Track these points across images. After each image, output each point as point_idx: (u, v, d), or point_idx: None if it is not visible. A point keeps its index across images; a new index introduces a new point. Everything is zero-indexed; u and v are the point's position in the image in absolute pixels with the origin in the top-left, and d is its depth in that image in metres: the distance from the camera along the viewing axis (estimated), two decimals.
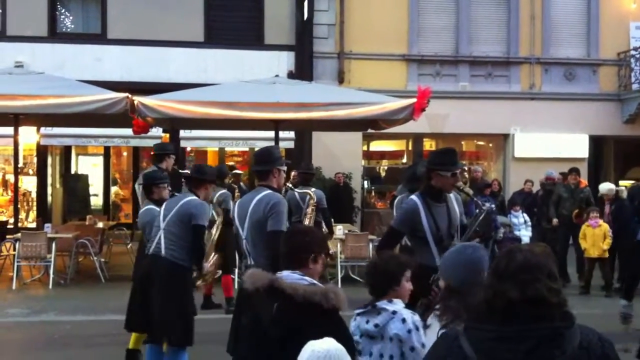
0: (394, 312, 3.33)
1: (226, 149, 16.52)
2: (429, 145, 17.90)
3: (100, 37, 15.07)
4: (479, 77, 16.52)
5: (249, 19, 15.54)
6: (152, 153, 8.50)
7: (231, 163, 15.96)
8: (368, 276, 3.53)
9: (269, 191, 4.49)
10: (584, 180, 11.46)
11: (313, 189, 8.37)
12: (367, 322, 3.37)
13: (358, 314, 3.42)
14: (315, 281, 3.11)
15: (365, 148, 17.07)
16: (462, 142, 18.30)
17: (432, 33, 16.38)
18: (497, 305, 1.98)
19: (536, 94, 16.56)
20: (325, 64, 15.97)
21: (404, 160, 17.66)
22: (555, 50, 16.74)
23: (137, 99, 9.43)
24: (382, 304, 3.38)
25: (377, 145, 18.03)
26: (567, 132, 16.38)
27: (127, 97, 9.36)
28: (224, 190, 8.48)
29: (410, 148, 17.61)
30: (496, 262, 2.08)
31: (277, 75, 11.42)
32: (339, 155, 15.41)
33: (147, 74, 14.45)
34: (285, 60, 15.44)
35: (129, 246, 11.76)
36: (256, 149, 16.54)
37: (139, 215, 6.25)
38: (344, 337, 2.77)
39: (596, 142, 17.18)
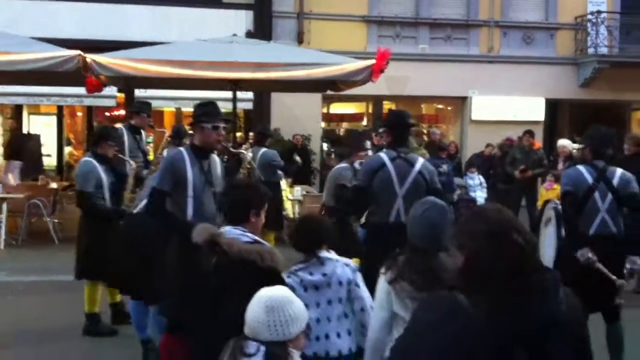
0: (337, 260, 3.56)
1: (183, 109, 16.27)
2: (388, 107, 17.92)
3: None
4: (439, 40, 16.53)
5: None
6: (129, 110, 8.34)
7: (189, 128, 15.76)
8: (300, 233, 3.66)
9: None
10: (537, 142, 11.66)
11: (263, 149, 8.43)
12: (311, 274, 3.48)
13: (297, 270, 3.50)
14: (257, 237, 3.13)
15: (325, 110, 17.01)
16: (422, 105, 18.39)
17: None
18: (494, 264, 1.96)
19: (494, 57, 16.66)
20: (284, 24, 15.77)
21: (364, 123, 17.67)
22: (514, 14, 16.81)
23: (90, 57, 9.14)
24: (324, 254, 3.55)
25: (337, 108, 17.98)
26: (524, 95, 16.57)
27: (80, 54, 9.08)
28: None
29: (370, 110, 17.62)
30: (475, 224, 2.05)
31: (234, 35, 11.19)
32: (298, 116, 15.32)
33: (104, 32, 14.07)
34: (243, 20, 15.21)
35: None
36: None
37: (78, 165, 6.17)
38: None
39: (552, 106, 17.42)
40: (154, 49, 10.40)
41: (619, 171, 4.96)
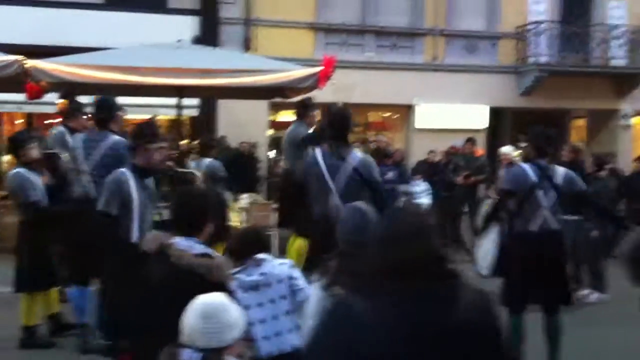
0: (272, 259, 3.70)
1: (127, 116, 15.99)
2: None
3: None
4: (385, 48, 16.72)
5: None
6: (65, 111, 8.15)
7: None
8: (240, 240, 3.80)
9: (117, 137, 5.36)
10: (480, 149, 11.89)
11: (208, 160, 8.44)
12: (249, 275, 3.54)
13: (234, 273, 3.54)
14: (207, 250, 3.12)
15: (274, 118, 17.00)
16: (369, 113, 18.55)
17: (339, 1, 16.40)
18: (391, 268, 1.98)
19: (439, 66, 16.92)
20: (231, 31, 15.72)
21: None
22: (458, 23, 17.11)
23: (31, 62, 8.97)
24: (259, 256, 3.65)
25: (286, 115, 17.98)
26: (468, 103, 16.85)
27: (19, 59, 8.89)
28: None
29: (319, 118, 17.65)
30: (385, 226, 2.10)
31: (179, 40, 11.10)
32: (245, 124, 15.26)
33: (45, 37, 13.73)
34: (189, 26, 15.07)
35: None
36: (159, 117, 16.21)
37: (7, 180, 6.02)
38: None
39: (495, 113, 17.79)
40: (97, 54, 10.26)
41: (561, 170, 5.15)
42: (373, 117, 18.81)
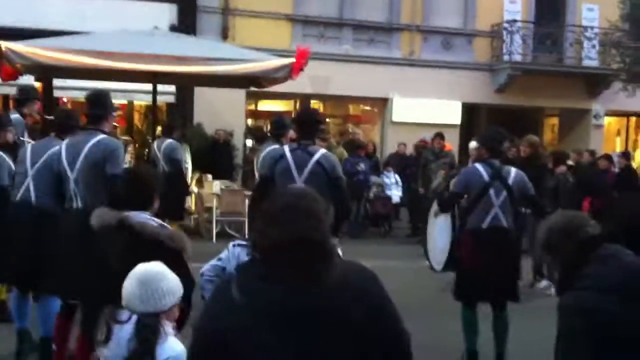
0: None
1: None
2: (318, 106, 18.14)
3: None
4: (362, 42, 16.89)
5: None
6: (15, 98, 8.15)
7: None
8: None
9: (104, 135, 4.79)
10: (448, 144, 12.06)
11: (168, 141, 8.60)
12: (248, 254, 3.67)
13: (238, 245, 3.68)
14: (162, 222, 3.29)
15: (252, 107, 17.10)
16: (346, 105, 18.73)
17: None
18: (263, 246, 1.99)
19: (415, 61, 17.13)
20: (209, 19, 15.78)
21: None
22: (435, 19, 17.33)
23: (5, 44, 8.97)
24: None
25: (265, 105, 18.10)
26: (443, 98, 17.09)
27: None
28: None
29: (297, 108, 17.82)
30: (264, 206, 2.09)
31: (156, 27, 11.16)
32: (221, 112, 15.35)
33: (20, 19, 13.71)
34: (167, 13, 15.11)
35: None
36: (135, 102, 16.27)
37: None
38: (185, 275, 2.96)
39: (470, 110, 18.05)
40: (73, 38, 10.29)
41: (513, 170, 5.36)
42: (350, 109, 19.01)
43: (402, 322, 2.05)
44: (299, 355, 1.90)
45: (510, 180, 5.25)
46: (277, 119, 7.84)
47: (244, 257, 3.75)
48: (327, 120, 18.61)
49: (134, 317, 2.64)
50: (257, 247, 2.01)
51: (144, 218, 3.31)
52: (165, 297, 2.66)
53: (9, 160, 5.88)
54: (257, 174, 7.41)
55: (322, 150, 5.22)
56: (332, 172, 5.07)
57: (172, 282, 2.71)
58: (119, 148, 4.78)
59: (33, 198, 5.22)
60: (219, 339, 1.95)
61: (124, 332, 2.67)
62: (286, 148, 5.24)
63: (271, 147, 6.74)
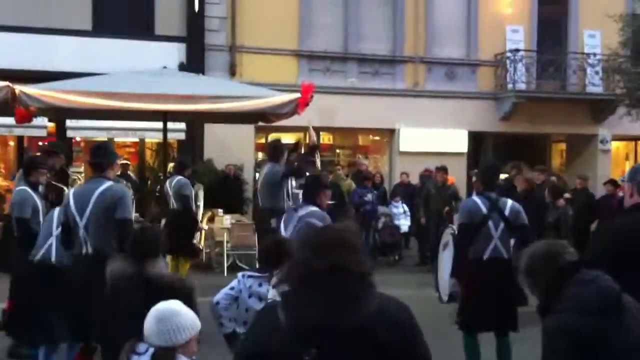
0: None
1: (115, 139, 16.35)
2: (327, 138, 18.45)
3: None
4: (367, 74, 17.15)
5: (139, 9, 15.44)
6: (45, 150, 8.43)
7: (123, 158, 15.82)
8: (263, 251, 4.25)
9: (111, 182, 5.04)
10: (451, 177, 12.10)
11: (177, 178, 8.87)
12: (260, 285, 3.88)
13: (250, 276, 3.89)
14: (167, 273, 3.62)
15: (262, 141, 17.35)
16: (353, 137, 18.93)
17: (322, 29, 16.83)
18: (306, 273, 2.21)
19: (419, 92, 17.36)
20: (217, 57, 16.11)
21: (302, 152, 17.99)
22: (438, 50, 17.59)
23: (19, 88, 9.28)
24: (278, 272, 3.86)
25: (274, 138, 18.28)
26: (448, 127, 17.28)
27: (8, 85, 9.21)
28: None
29: (307, 141, 18.02)
30: (306, 236, 2.37)
31: (164, 67, 11.48)
32: (230, 147, 15.60)
33: (32, 62, 14.07)
34: (176, 52, 15.47)
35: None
36: (146, 140, 16.57)
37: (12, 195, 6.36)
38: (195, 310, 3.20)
39: (476, 138, 18.21)
40: (84, 80, 10.59)
41: (509, 202, 5.53)
42: (357, 140, 19.21)
43: (429, 353, 2.29)
44: None
45: (507, 212, 5.40)
46: (273, 143, 8.30)
47: (256, 288, 3.95)
48: (337, 151, 18.90)
49: (151, 350, 2.83)
50: (296, 275, 2.24)
51: (154, 269, 3.65)
52: (180, 332, 2.88)
53: (36, 197, 6.13)
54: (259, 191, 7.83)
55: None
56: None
57: (186, 318, 2.93)
58: (126, 194, 5.03)
59: (53, 258, 5.47)
60: (264, 357, 2.16)
61: None
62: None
63: (274, 170, 7.54)
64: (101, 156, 5.12)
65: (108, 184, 4.97)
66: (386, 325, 2.17)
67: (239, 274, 4.11)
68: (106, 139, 16.25)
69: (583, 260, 2.88)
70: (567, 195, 9.96)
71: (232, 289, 4.08)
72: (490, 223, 5.33)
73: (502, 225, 5.35)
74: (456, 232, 5.80)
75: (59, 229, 5.40)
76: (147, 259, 3.73)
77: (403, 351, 2.18)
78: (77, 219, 4.90)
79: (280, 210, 7.14)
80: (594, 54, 17.79)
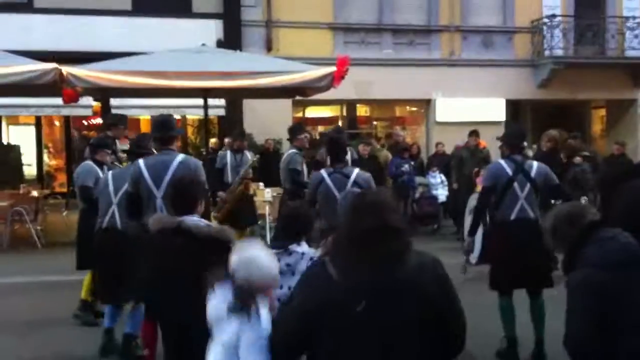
0: (303, 253, 4.03)
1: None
2: (363, 110, 18.63)
3: (26, 6, 15.01)
4: (402, 45, 17.21)
5: None
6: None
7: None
8: (283, 221, 4.26)
9: (184, 155, 5.35)
10: (483, 141, 12.20)
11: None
12: (279, 260, 4.07)
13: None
14: (207, 222, 3.81)
15: (300, 114, 17.60)
16: (395, 108, 19.04)
17: (357, 2, 16.92)
18: (354, 233, 2.50)
19: (456, 61, 17.37)
20: (253, 33, 16.35)
21: (340, 124, 18.20)
22: (474, 19, 17.54)
23: (66, 69, 9.68)
24: (293, 247, 4.06)
25: (312, 112, 18.57)
26: (486, 96, 17.27)
27: (56, 67, 9.61)
28: None
29: (344, 114, 18.26)
30: (352, 201, 2.67)
31: (203, 44, 11.76)
32: (269, 122, 15.85)
33: (76, 44, 14.48)
34: (213, 29, 15.74)
35: (64, 214, 12.05)
36: (187, 117, 16.96)
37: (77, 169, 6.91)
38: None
39: (513, 106, 18.17)
40: (127, 60, 10.94)
41: (535, 164, 5.70)
42: (393, 111, 19.33)
43: (459, 298, 2.59)
44: (384, 325, 2.41)
45: (533, 173, 5.57)
46: (292, 125, 8.57)
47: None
48: (375, 123, 19.05)
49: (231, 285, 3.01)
50: (345, 235, 2.53)
51: (195, 220, 3.82)
52: (263, 275, 3.00)
53: (100, 172, 6.54)
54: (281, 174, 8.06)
55: (357, 171, 5.85)
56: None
57: (269, 264, 3.06)
58: (201, 165, 5.28)
59: (119, 224, 5.78)
60: (317, 312, 2.46)
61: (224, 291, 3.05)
62: (324, 173, 5.89)
63: (291, 152, 7.92)
64: (169, 130, 5.35)
65: (182, 156, 5.24)
66: (428, 278, 2.46)
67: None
68: (149, 117, 16.78)
69: (606, 219, 3.08)
70: (585, 153, 9.97)
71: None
72: (516, 185, 5.51)
73: (528, 186, 5.51)
74: (481, 193, 6.00)
75: (117, 196, 5.73)
76: (182, 211, 3.88)
77: (441, 298, 2.47)
78: (154, 190, 5.08)
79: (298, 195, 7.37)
80: (633, 17, 17.51)
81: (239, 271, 3.01)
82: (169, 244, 3.76)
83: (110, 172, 6.19)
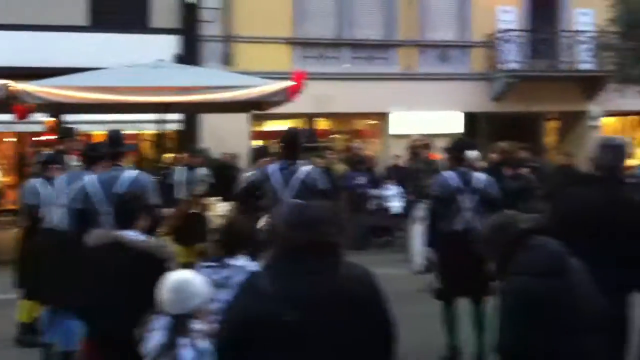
0: (241, 267, 4.03)
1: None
2: (323, 124, 18.70)
3: None
4: (361, 59, 17.39)
5: (134, 3, 15.68)
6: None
7: None
8: (220, 235, 4.24)
9: (136, 171, 5.36)
10: (435, 154, 12.35)
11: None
12: (216, 274, 4.08)
13: (205, 267, 4.12)
14: (146, 237, 3.83)
15: (258, 128, 17.58)
16: (354, 121, 19.14)
17: (316, 17, 17.05)
18: (288, 246, 2.54)
19: (413, 75, 17.56)
20: (212, 48, 16.34)
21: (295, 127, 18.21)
22: (431, 34, 17.80)
23: (17, 86, 9.57)
24: (229, 260, 4.09)
25: (272, 126, 18.55)
26: (442, 109, 17.50)
27: (7, 83, 9.51)
28: None
29: (303, 127, 18.29)
30: (286, 215, 2.66)
31: (161, 60, 11.74)
32: (226, 136, 15.83)
33: (31, 59, 14.25)
34: (172, 44, 15.69)
35: (15, 231, 11.78)
36: (145, 132, 16.85)
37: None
38: None
39: (470, 119, 18.40)
40: (81, 75, 10.86)
41: (479, 175, 5.85)
42: (352, 125, 19.43)
43: (390, 309, 2.62)
44: (317, 337, 2.44)
45: (477, 185, 5.71)
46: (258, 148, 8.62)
47: (214, 277, 4.12)
48: (334, 136, 19.10)
49: (166, 320, 3.09)
50: (280, 248, 2.56)
51: (134, 235, 3.84)
52: (194, 299, 3.14)
53: (42, 189, 6.51)
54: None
55: (308, 168, 5.78)
56: (316, 187, 5.60)
57: (198, 286, 3.19)
58: (152, 182, 5.33)
59: (61, 225, 5.79)
60: (249, 324, 2.48)
61: (157, 335, 3.11)
62: (274, 167, 5.85)
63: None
64: (118, 146, 5.43)
65: (133, 172, 5.27)
66: (360, 290, 2.52)
67: (197, 267, 4.23)
68: (104, 132, 16.61)
69: (537, 228, 3.19)
70: (532, 164, 10.16)
71: None
72: (461, 196, 5.66)
73: (472, 197, 5.66)
74: (429, 204, 6.13)
75: (63, 198, 5.75)
76: (121, 226, 3.91)
77: (371, 304, 2.54)
78: (101, 206, 5.08)
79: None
80: (585, 31, 17.93)
81: (171, 302, 3.04)
82: (105, 258, 3.76)
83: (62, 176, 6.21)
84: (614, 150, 4.19)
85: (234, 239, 4.13)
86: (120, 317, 3.52)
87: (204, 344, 3.08)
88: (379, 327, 2.57)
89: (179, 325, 3.10)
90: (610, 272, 3.47)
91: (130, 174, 5.21)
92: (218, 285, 4.04)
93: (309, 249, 2.49)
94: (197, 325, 3.17)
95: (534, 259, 3.00)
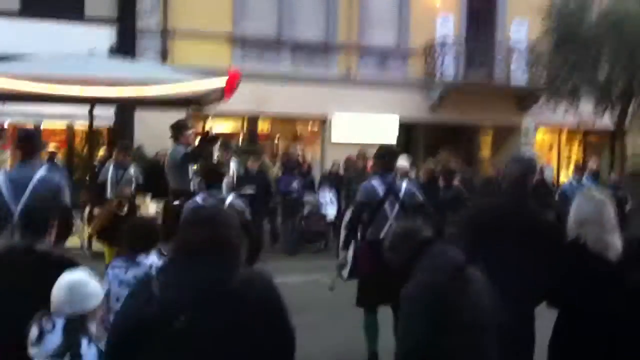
0: (151, 265, 3.98)
1: (43, 126, 15.97)
2: (265, 127, 18.40)
3: None
4: (300, 61, 17.26)
5: None
6: None
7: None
8: (129, 233, 4.19)
9: (45, 168, 5.11)
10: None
11: None
12: (126, 273, 3.97)
13: (116, 266, 4.00)
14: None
15: (198, 128, 17.21)
16: (294, 124, 18.93)
17: (256, 14, 16.85)
18: (182, 247, 2.49)
19: (352, 79, 17.55)
20: (149, 40, 15.94)
21: (241, 139, 17.96)
22: (371, 38, 17.82)
23: None
24: (140, 258, 4.06)
25: (212, 124, 18.19)
26: (380, 115, 17.53)
27: None
28: None
29: (245, 129, 18.05)
30: (185, 216, 2.67)
31: (92, 50, 11.31)
32: (162, 134, 15.35)
33: None
34: (107, 35, 15.24)
35: None
36: (75, 126, 16.30)
37: None
38: None
39: (406, 127, 18.49)
40: (10, 62, 10.41)
41: (404, 184, 5.90)
42: (295, 128, 19.26)
43: (289, 315, 2.53)
44: (203, 341, 2.34)
45: (402, 194, 5.75)
46: (177, 122, 8.27)
47: (123, 276, 4.06)
48: (275, 142, 18.85)
49: (61, 322, 2.99)
50: (175, 249, 2.50)
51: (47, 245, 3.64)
52: (90, 299, 3.07)
53: None
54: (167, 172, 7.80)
55: (231, 197, 5.74)
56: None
57: (93, 286, 3.13)
58: (64, 184, 5.04)
59: None
60: (138, 328, 2.36)
61: (53, 336, 2.98)
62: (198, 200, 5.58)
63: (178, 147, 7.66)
64: (30, 141, 5.20)
65: (44, 170, 4.97)
66: (255, 294, 2.42)
67: (109, 268, 4.17)
68: (33, 126, 16.00)
69: (435, 237, 3.36)
70: (463, 176, 10.35)
71: None
72: (386, 205, 5.71)
73: (397, 206, 5.72)
74: (353, 210, 6.14)
75: None
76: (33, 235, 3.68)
77: (271, 318, 2.44)
78: (11, 206, 4.79)
79: (186, 191, 7.22)
80: (520, 43, 18.23)
81: (65, 302, 2.96)
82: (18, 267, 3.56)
83: None
84: (522, 164, 4.28)
85: (142, 236, 4.11)
86: (10, 322, 3.32)
87: (101, 345, 2.98)
88: (276, 334, 2.48)
89: (76, 326, 3.03)
90: (509, 281, 3.53)
91: (40, 172, 4.92)
92: (126, 284, 3.98)
93: (203, 247, 2.43)
94: (92, 326, 3.12)
95: (434, 265, 3.12)
